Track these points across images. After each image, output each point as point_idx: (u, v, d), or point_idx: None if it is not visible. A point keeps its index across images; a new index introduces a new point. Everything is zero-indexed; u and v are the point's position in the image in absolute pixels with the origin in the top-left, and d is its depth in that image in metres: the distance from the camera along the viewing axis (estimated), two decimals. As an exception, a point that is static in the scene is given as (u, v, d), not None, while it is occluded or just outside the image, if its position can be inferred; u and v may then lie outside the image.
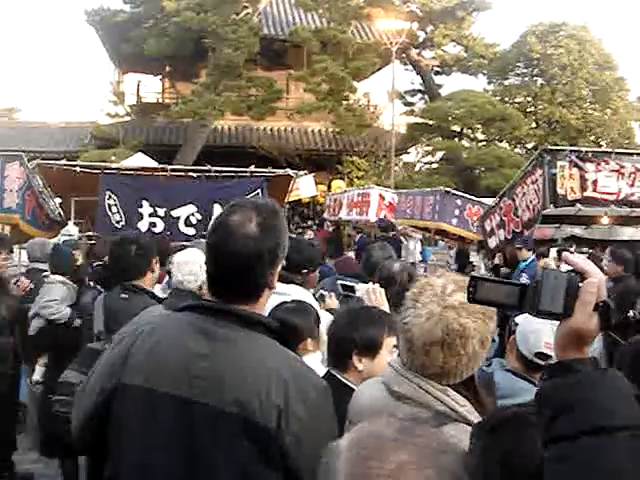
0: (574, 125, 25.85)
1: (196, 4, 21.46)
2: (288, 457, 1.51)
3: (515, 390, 2.53)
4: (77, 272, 5.29)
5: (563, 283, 1.08)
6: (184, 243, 6.06)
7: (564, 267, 1.27)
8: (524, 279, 6.94)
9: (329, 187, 23.00)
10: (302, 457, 1.50)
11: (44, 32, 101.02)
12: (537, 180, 7.97)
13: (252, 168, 9.31)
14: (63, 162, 9.35)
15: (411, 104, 30.13)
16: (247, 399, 1.51)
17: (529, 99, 27.81)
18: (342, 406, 1.77)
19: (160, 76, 27.41)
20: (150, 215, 8.45)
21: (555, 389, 1.04)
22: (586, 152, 8.31)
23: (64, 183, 8.77)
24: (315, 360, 2.64)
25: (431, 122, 24.67)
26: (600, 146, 24.47)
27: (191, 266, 3.65)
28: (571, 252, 8.74)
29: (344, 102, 22.11)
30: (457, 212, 11.21)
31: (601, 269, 3.60)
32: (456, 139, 25.62)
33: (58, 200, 8.88)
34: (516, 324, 2.80)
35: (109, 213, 8.45)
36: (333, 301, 3.65)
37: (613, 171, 8.01)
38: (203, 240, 5.75)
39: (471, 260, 10.36)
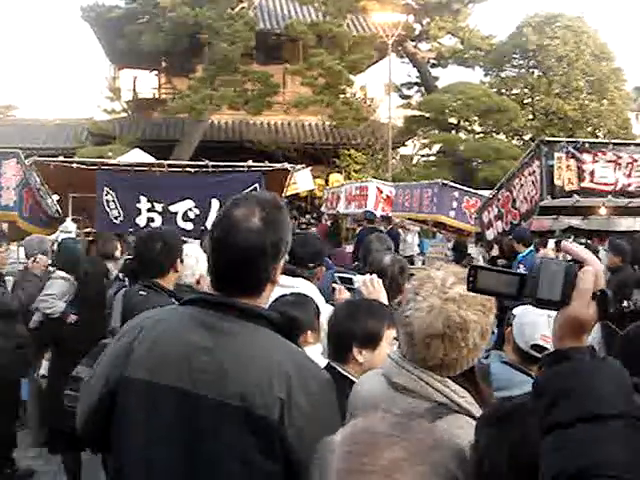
0: (571, 116, 25.78)
1: (191, -1, 21.41)
2: (290, 449, 1.50)
3: (512, 382, 2.53)
4: (78, 268, 5.33)
5: (561, 271, 1.08)
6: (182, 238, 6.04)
7: (562, 258, 1.28)
8: (522, 270, 6.96)
9: (326, 181, 22.97)
10: (304, 449, 1.47)
11: (39, 29, 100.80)
12: (534, 172, 7.98)
13: (249, 162, 9.31)
14: (60, 159, 9.31)
15: (408, 97, 30.03)
16: (249, 391, 1.51)
17: (526, 91, 27.70)
18: (343, 398, 1.77)
19: (156, 71, 27.31)
20: (148, 210, 8.46)
21: (552, 377, 1.04)
22: (583, 143, 8.33)
23: (61, 180, 8.75)
24: (315, 352, 2.65)
25: (428, 115, 24.58)
26: (597, 137, 24.48)
27: (187, 260, 3.64)
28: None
29: (341, 96, 22.02)
30: (455, 204, 11.23)
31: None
32: (453, 131, 25.57)
33: (55, 197, 8.86)
34: (514, 316, 2.80)
35: (107, 209, 8.45)
36: (343, 294, 3.64)
37: (610, 162, 8.02)
38: (196, 241, 5.77)
39: (469, 252, 10.36)
